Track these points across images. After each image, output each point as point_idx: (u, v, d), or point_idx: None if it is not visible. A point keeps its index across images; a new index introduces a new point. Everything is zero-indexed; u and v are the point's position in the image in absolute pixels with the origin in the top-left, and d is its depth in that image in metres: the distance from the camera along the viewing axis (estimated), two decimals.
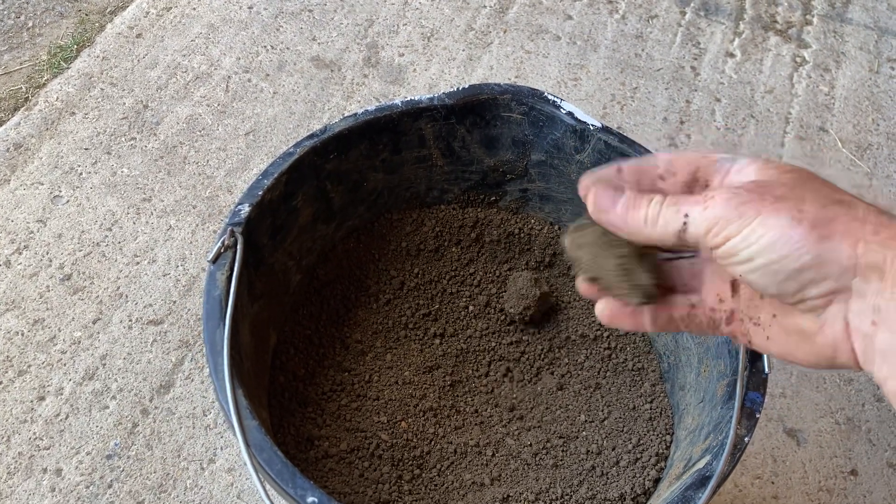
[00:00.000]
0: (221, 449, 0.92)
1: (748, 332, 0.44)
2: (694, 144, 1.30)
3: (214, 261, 0.64)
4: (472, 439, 0.74)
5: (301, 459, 0.69)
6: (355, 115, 0.76)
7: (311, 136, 0.74)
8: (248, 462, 0.55)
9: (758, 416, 0.61)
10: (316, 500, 0.53)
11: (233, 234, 0.65)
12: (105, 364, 0.98)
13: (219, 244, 0.64)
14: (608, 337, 0.82)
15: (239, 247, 0.64)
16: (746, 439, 0.60)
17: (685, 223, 0.39)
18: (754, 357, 0.63)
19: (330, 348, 0.79)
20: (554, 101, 0.78)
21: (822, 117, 1.37)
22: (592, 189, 0.43)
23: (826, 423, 1.01)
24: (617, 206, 0.42)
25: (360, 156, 0.78)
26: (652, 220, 0.40)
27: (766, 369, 0.63)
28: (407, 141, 0.79)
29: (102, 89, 1.29)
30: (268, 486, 0.55)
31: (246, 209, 0.67)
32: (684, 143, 1.30)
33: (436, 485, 0.70)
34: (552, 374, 0.82)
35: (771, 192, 0.37)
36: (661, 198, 0.40)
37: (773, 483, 0.96)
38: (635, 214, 0.41)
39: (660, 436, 0.73)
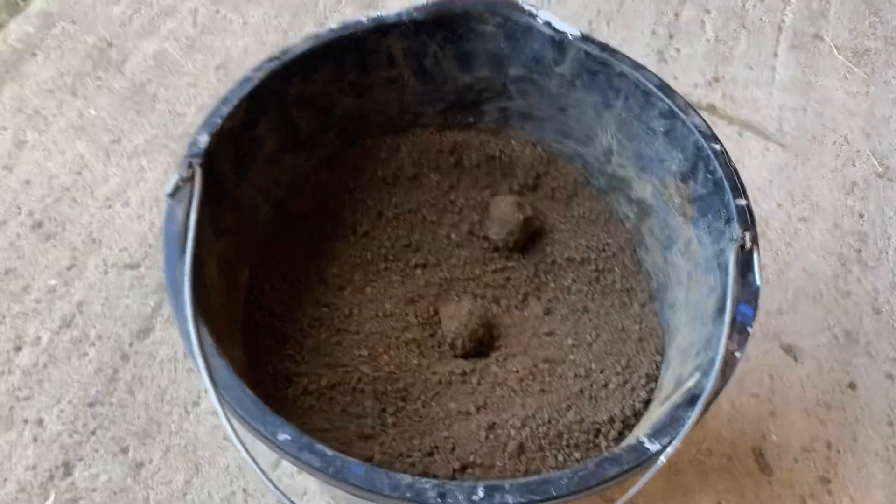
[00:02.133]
0: (206, 392, 0.90)
1: None
2: (684, 59, 1.25)
3: (173, 194, 0.60)
4: (456, 368, 0.71)
5: (280, 398, 0.67)
6: (318, 34, 0.71)
7: (270, 59, 0.69)
8: (215, 400, 0.52)
9: (749, 330, 0.58)
10: (288, 436, 0.51)
11: (190, 165, 0.61)
12: (82, 311, 0.95)
13: (176, 178, 0.60)
14: (595, 259, 0.79)
15: (197, 179, 0.60)
16: (738, 354, 0.57)
17: None
18: (745, 269, 0.60)
19: (306, 283, 0.76)
20: (530, 11, 0.74)
21: (816, 24, 1.31)
22: None
23: (824, 338, 0.99)
24: None
25: (325, 79, 0.73)
26: None
27: (758, 281, 0.60)
28: (375, 60, 0.75)
29: (63, 27, 1.23)
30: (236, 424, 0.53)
31: (204, 139, 0.63)
32: (674, 57, 1.25)
33: (420, 416, 0.68)
34: (539, 299, 0.79)
35: None
36: None
37: (770, 401, 0.94)
38: None
39: (650, 357, 0.71)
